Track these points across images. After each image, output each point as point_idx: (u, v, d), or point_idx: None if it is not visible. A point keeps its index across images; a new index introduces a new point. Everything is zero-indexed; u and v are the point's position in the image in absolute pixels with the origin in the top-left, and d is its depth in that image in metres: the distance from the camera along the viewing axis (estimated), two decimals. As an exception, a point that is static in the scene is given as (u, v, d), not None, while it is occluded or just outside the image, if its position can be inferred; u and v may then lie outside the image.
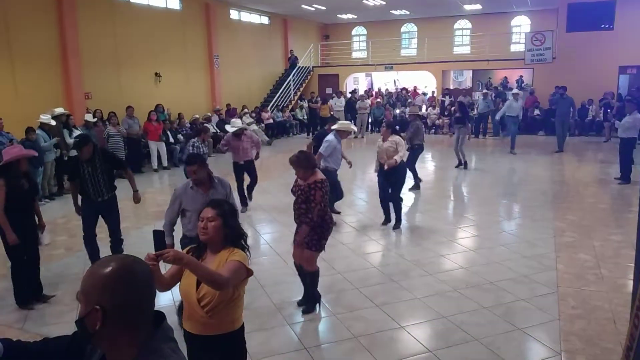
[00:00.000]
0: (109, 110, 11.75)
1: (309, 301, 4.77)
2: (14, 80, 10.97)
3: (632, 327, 2.28)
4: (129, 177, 6.07)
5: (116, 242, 5.89)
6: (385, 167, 7.08)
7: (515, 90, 16.25)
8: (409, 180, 9.14)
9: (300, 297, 4.91)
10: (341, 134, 7.55)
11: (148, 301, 1.38)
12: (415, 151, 9.52)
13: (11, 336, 1.63)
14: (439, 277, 5.50)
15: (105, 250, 5.82)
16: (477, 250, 6.39)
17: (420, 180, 9.74)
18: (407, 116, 9.49)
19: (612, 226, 7.33)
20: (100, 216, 5.82)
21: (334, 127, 7.73)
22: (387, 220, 7.42)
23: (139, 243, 6.66)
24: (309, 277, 4.73)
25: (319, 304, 4.78)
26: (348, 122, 8.87)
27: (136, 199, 6.18)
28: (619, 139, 10.12)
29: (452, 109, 16.42)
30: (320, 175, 4.54)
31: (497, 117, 15.05)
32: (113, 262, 1.35)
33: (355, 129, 8.02)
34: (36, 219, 5.19)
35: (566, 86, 14.10)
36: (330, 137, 7.46)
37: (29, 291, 5.02)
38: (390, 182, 7.27)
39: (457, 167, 11.63)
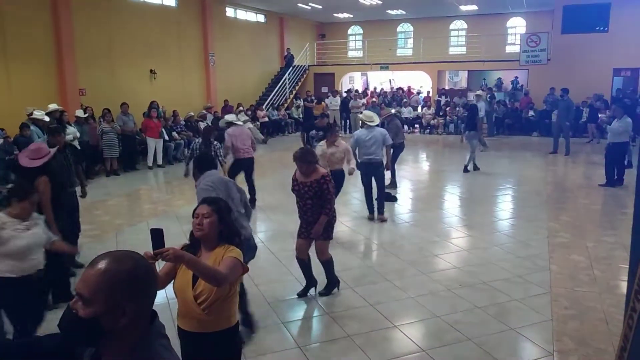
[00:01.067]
0: (104, 107, 11.70)
1: (328, 286, 5.04)
2: (8, 75, 10.89)
3: (626, 327, 2.29)
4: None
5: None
6: (348, 174, 7.06)
7: (478, 92, 15.95)
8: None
9: (294, 295, 4.91)
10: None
11: (155, 296, 1.42)
12: (397, 149, 9.44)
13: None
14: (432, 276, 5.52)
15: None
16: (471, 250, 6.40)
17: (395, 188, 9.50)
18: (381, 119, 9.09)
19: (605, 227, 7.37)
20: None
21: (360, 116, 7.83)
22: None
23: (133, 240, 6.64)
24: (326, 265, 4.97)
25: (338, 286, 5.08)
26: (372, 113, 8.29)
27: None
28: (608, 144, 9.82)
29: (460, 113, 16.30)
30: (323, 170, 4.70)
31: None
32: (129, 258, 1.34)
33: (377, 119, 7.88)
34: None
35: (567, 88, 13.81)
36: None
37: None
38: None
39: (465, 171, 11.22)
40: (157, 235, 2.32)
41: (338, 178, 6.82)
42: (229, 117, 8.73)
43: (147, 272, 1.37)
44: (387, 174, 8.27)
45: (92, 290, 1.28)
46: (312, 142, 9.09)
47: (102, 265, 1.30)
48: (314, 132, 9.31)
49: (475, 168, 11.29)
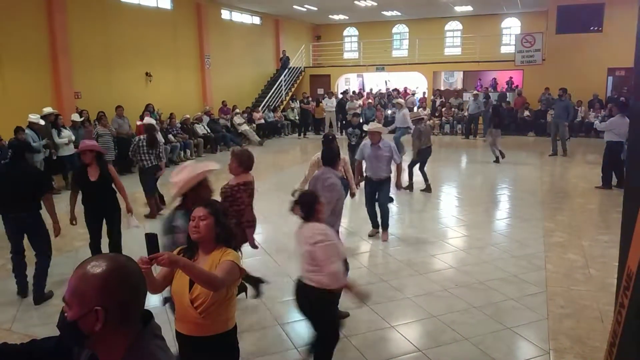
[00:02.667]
0: (99, 110, 11.68)
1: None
2: (3, 79, 10.86)
3: (615, 323, 2.32)
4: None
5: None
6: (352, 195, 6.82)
7: (399, 100, 14.76)
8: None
9: (291, 296, 4.91)
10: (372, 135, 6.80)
11: (141, 299, 1.39)
12: (424, 153, 9.48)
13: (-1, 336, 1.62)
14: (429, 276, 5.53)
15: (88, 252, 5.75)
16: (467, 250, 6.42)
17: (429, 191, 9.59)
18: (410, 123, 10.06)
19: (600, 226, 7.41)
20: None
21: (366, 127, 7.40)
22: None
23: (128, 243, 6.62)
24: None
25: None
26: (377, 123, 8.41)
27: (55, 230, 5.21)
28: (606, 143, 9.71)
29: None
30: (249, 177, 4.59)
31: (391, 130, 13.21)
32: (107, 261, 1.33)
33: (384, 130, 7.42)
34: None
35: (566, 88, 13.73)
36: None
37: None
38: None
39: (494, 162, 12.32)
40: (151, 240, 2.31)
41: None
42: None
43: (127, 276, 1.34)
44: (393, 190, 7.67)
45: (69, 294, 1.30)
46: (350, 138, 9.62)
47: (80, 269, 1.32)
48: (350, 129, 9.77)
49: (502, 155, 12.31)
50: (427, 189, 9.57)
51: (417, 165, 9.67)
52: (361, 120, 11.60)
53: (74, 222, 5.69)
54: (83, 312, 1.28)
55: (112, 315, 1.28)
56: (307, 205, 3.43)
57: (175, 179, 3.30)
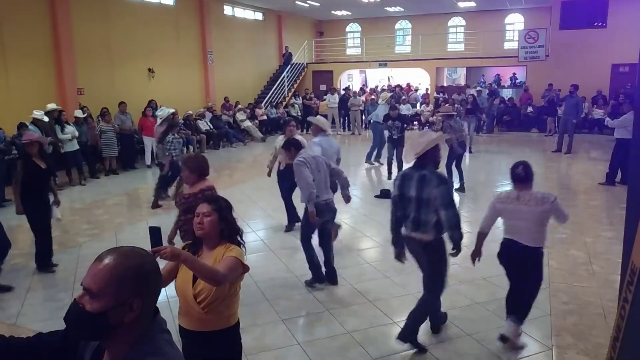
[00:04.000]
0: (102, 106, 11.70)
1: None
2: (7, 75, 10.88)
3: (619, 318, 2.32)
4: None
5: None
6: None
7: (479, 88, 15.73)
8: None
9: (294, 291, 4.92)
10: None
11: (159, 294, 1.44)
12: (456, 151, 9.17)
13: (4, 332, 1.63)
14: (432, 273, 5.52)
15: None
16: (470, 246, 6.38)
17: (463, 191, 9.41)
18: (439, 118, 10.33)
19: (603, 223, 7.39)
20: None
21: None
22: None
23: (133, 238, 6.65)
24: None
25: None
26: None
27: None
28: (615, 140, 9.50)
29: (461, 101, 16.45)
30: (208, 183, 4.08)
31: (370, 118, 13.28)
32: (136, 254, 1.36)
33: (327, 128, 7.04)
34: (52, 196, 5.77)
35: (577, 84, 13.57)
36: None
37: (47, 257, 5.67)
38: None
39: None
40: (155, 233, 2.32)
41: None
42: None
43: (153, 269, 1.39)
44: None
45: (100, 285, 1.29)
46: (391, 131, 9.80)
47: (110, 260, 1.31)
48: (390, 122, 9.86)
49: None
50: (461, 188, 9.26)
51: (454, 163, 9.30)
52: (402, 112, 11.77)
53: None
54: (117, 302, 1.28)
55: (141, 306, 1.31)
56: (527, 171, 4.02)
57: (418, 140, 3.97)
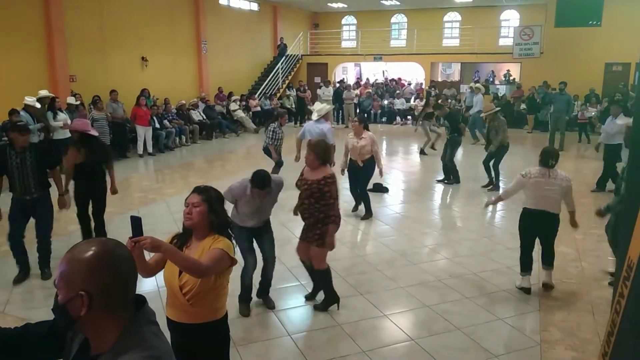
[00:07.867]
0: (94, 94, 11.58)
1: (326, 300, 4.54)
2: (-3, 61, 10.75)
3: (614, 313, 2.34)
4: (55, 178, 5.38)
5: (43, 249, 5.30)
6: (360, 164, 7.04)
7: (477, 85, 15.40)
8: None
9: (284, 284, 4.92)
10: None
11: (131, 285, 1.38)
12: (503, 150, 9.11)
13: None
14: (422, 267, 5.55)
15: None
16: (461, 242, 6.45)
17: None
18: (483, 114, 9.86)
19: (593, 220, 7.43)
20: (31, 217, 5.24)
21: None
22: (358, 205, 7.54)
23: (123, 229, 6.60)
24: (319, 275, 4.53)
25: (338, 304, 4.52)
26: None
27: (60, 203, 5.50)
28: (605, 146, 9.11)
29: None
30: (328, 171, 4.29)
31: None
32: (94, 245, 1.33)
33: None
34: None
35: (566, 82, 13.61)
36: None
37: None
38: (358, 178, 7.27)
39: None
40: (136, 223, 2.30)
41: (369, 168, 7.15)
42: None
43: (113, 262, 1.32)
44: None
45: (58, 277, 1.32)
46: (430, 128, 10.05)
47: (68, 253, 1.33)
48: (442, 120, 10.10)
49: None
50: (490, 184, 9.24)
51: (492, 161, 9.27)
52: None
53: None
54: (70, 295, 1.28)
55: (96, 300, 1.28)
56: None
57: None
